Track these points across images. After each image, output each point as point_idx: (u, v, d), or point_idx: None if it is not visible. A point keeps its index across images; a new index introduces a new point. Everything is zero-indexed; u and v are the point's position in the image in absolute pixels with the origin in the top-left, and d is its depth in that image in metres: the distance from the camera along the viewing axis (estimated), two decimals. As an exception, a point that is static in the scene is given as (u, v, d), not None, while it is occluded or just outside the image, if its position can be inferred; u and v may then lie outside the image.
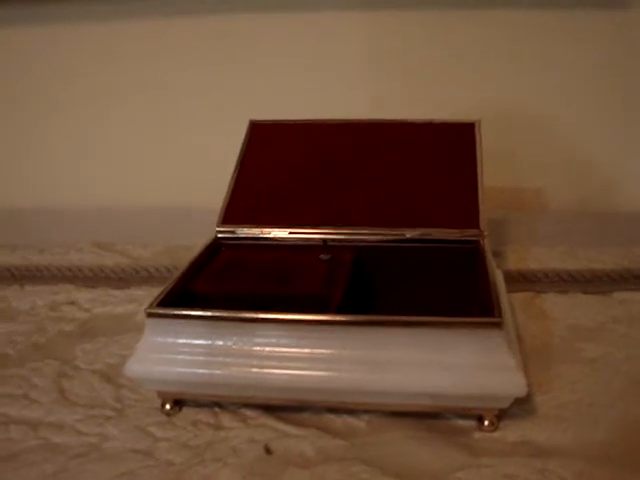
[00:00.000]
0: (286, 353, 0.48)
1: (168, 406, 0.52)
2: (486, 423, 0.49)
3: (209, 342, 0.49)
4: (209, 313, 0.49)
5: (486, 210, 0.63)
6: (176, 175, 0.99)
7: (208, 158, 0.94)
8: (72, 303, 0.70)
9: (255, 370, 0.48)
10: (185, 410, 0.52)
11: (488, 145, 0.72)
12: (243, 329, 0.49)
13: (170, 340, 0.50)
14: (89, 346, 0.62)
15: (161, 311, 0.49)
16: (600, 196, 0.95)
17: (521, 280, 0.71)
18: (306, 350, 0.48)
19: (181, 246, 0.84)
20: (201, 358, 0.49)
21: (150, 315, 0.49)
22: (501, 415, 0.49)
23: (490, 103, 0.93)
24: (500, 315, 0.46)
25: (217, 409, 0.52)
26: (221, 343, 0.49)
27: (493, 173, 0.81)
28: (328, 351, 0.48)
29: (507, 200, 0.96)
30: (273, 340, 0.48)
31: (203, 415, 0.52)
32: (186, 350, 0.49)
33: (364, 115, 0.74)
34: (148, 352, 0.50)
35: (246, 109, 0.78)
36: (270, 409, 0.51)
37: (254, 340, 0.49)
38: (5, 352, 0.61)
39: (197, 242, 0.79)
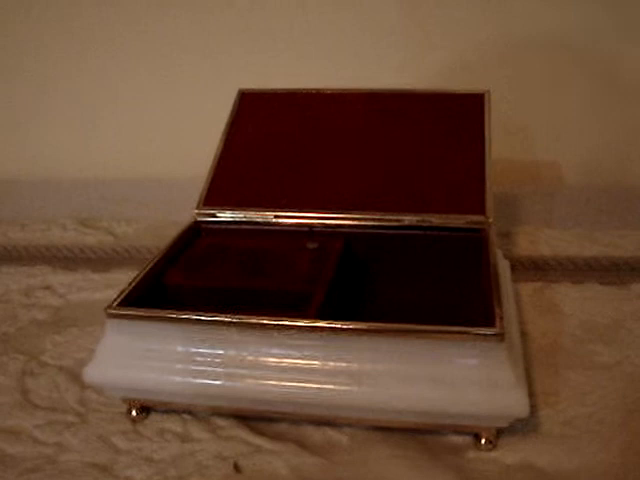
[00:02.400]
0: (259, 361, 0.43)
1: (134, 412, 0.47)
2: (483, 441, 0.44)
3: (174, 347, 0.44)
4: (174, 315, 0.43)
5: (493, 193, 0.57)
6: (164, 146, 0.93)
7: (197, 129, 0.88)
8: (47, 288, 0.66)
9: (224, 379, 0.43)
10: (152, 416, 0.48)
11: (501, 115, 0.65)
12: (211, 333, 0.44)
13: (132, 343, 0.45)
14: (59, 338, 0.58)
15: (122, 312, 0.44)
16: (621, 170, 0.88)
17: (531, 268, 0.65)
18: (281, 358, 0.43)
19: (167, 222, 0.79)
20: (166, 364, 0.44)
21: (111, 315, 0.44)
22: (500, 432, 0.44)
23: (503, 70, 0.86)
24: (502, 325, 0.41)
25: (186, 416, 0.48)
26: (186, 349, 0.44)
27: (506, 145, 0.75)
28: (304, 360, 0.43)
29: (520, 174, 0.90)
30: (244, 346, 0.43)
31: (171, 423, 0.47)
32: (149, 355, 0.44)
33: (363, 85, 0.68)
34: (108, 356, 0.45)
35: (237, 78, 0.72)
36: (243, 418, 0.47)
37: (222, 346, 0.44)
38: (-30, 345, 0.57)
39: (185, 217, 0.75)
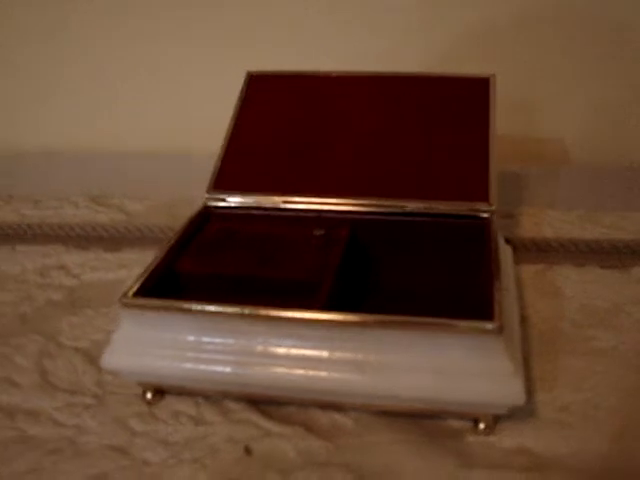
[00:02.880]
0: (269, 351, 0.45)
1: (149, 395, 0.49)
2: (481, 426, 0.46)
3: (186, 336, 0.46)
4: (186, 306, 0.45)
5: (497, 172, 0.58)
6: (176, 121, 0.94)
7: (208, 104, 0.89)
8: (61, 267, 0.68)
9: (234, 368, 0.45)
10: (167, 399, 0.50)
11: (506, 92, 0.66)
12: (221, 324, 0.45)
13: (147, 332, 0.47)
14: (75, 319, 0.60)
15: (137, 302, 0.46)
16: (627, 149, 0.89)
17: (534, 250, 0.66)
18: (288, 348, 0.45)
19: (179, 200, 0.80)
20: (178, 352, 0.46)
21: (125, 305, 0.46)
22: (498, 417, 0.46)
23: (508, 50, 0.86)
24: (500, 319, 0.42)
25: (200, 399, 0.50)
26: (197, 338, 0.46)
27: (508, 121, 0.76)
28: (311, 350, 0.45)
29: (523, 151, 0.90)
30: (253, 336, 0.45)
31: (185, 405, 0.49)
32: (163, 343, 0.46)
33: (371, 67, 0.68)
34: (124, 344, 0.47)
35: (249, 51, 0.73)
36: (254, 402, 0.49)
37: (232, 335, 0.45)
38: (-9, 326, 0.59)
39: (196, 194, 0.76)
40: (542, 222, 0.71)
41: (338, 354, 0.44)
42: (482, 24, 0.85)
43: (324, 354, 0.44)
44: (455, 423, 0.47)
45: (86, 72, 0.96)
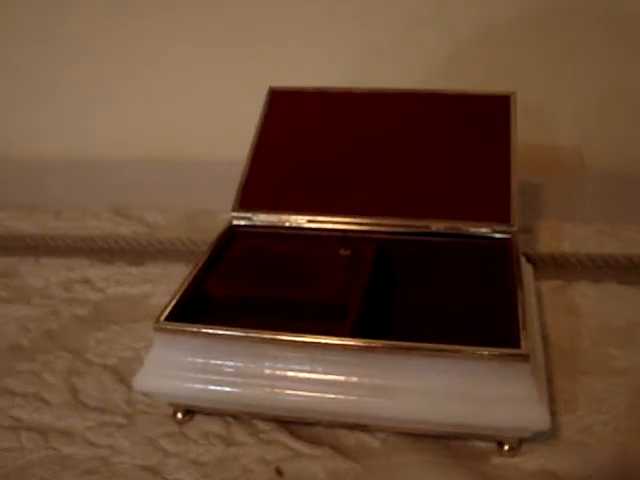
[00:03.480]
0: (299, 376, 0.46)
1: (179, 415, 0.51)
2: (506, 448, 0.47)
3: (220, 361, 0.47)
4: (220, 331, 0.46)
5: (518, 201, 0.59)
6: (197, 128, 0.95)
7: (229, 112, 0.90)
8: (86, 281, 0.69)
9: (268, 391, 0.46)
10: (197, 419, 0.51)
11: (520, 98, 0.67)
12: (255, 349, 0.46)
13: (180, 355, 0.48)
14: (102, 335, 0.61)
15: (170, 327, 0.47)
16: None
17: (552, 265, 0.67)
18: (318, 374, 0.46)
19: (200, 211, 0.81)
20: (212, 376, 0.47)
21: (158, 330, 0.47)
22: (522, 439, 0.47)
23: (522, 54, 0.87)
24: (527, 347, 0.43)
25: (230, 419, 0.51)
26: (229, 362, 0.47)
27: (526, 129, 0.76)
28: (342, 375, 0.46)
29: (541, 159, 0.91)
30: (285, 362, 0.46)
31: (215, 425, 0.50)
32: (197, 367, 0.47)
33: (391, 85, 0.69)
34: (157, 367, 0.48)
35: (271, 60, 0.76)
36: (283, 422, 0.50)
37: (266, 361, 0.47)
38: (19, 342, 0.60)
39: (217, 204, 0.77)
40: (560, 236, 0.72)
41: (367, 379, 0.45)
42: (492, 27, 0.86)
43: (353, 379, 0.46)
44: (480, 444, 0.48)
45: (105, 79, 0.96)
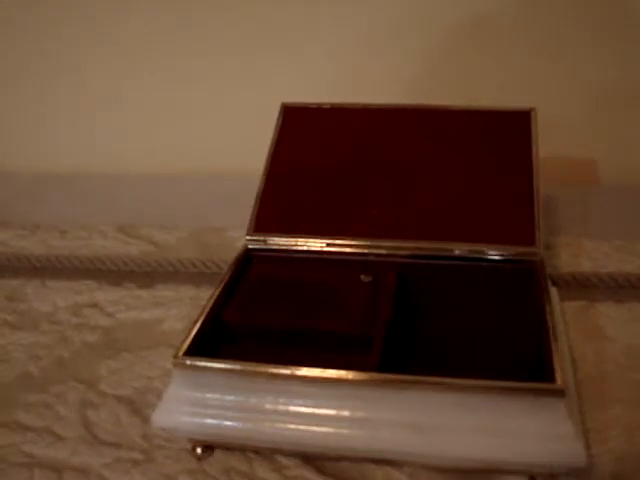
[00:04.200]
0: (322, 412, 0.45)
1: (199, 450, 0.49)
2: (539, 484, 0.45)
3: (241, 397, 0.45)
4: (244, 367, 0.45)
5: (543, 222, 0.57)
6: (202, 141, 0.93)
7: (235, 124, 0.89)
8: (94, 306, 0.67)
9: (291, 427, 0.45)
10: (217, 454, 0.49)
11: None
12: (276, 384, 0.45)
13: (201, 392, 0.46)
14: (114, 364, 0.59)
15: (190, 362, 0.45)
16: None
17: (574, 284, 0.65)
18: (347, 410, 0.44)
19: (209, 229, 0.80)
20: (232, 413, 0.45)
21: (177, 365, 0.46)
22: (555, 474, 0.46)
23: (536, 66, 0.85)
24: (563, 381, 0.42)
25: (251, 454, 0.49)
26: (254, 399, 0.45)
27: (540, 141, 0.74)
28: (367, 412, 0.44)
29: (556, 172, 0.89)
30: (308, 398, 0.45)
31: (236, 461, 0.49)
32: (218, 404, 0.46)
33: (405, 101, 0.68)
34: (177, 403, 0.46)
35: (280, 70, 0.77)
36: (307, 457, 0.48)
37: (289, 397, 0.45)
38: (28, 371, 0.58)
39: (226, 222, 0.76)
40: (580, 254, 0.71)
41: (397, 415, 0.44)
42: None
43: (382, 415, 0.44)
44: (511, 478, 0.46)
45: (106, 90, 0.94)
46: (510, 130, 0.63)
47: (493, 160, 0.61)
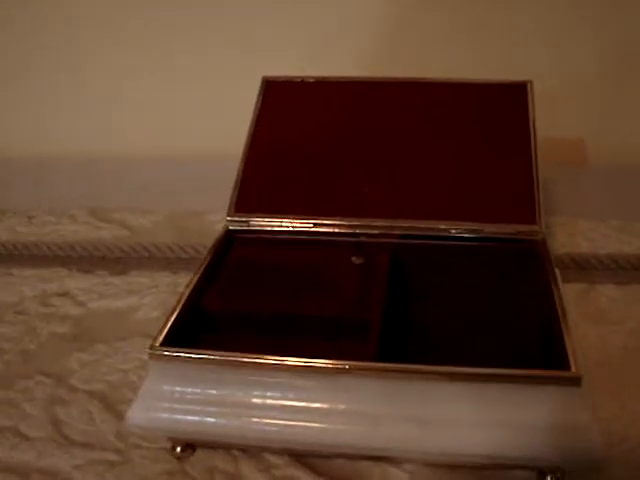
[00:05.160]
0: (315, 406, 0.41)
1: (179, 449, 0.45)
2: (549, 479, 0.42)
3: (224, 391, 0.41)
4: (223, 357, 0.40)
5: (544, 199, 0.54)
6: (179, 123, 0.88)
7: (214, 106, 0.84)
8: (65, 294, 0.62)
9: (280, 423, 0.41)
10: (199, 453, 0.45)
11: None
12: (264, 376, 0.41)
13: (181, 386, 0.42)
14: (85, 356, 0.55)
15: (168, 352, 0.41)
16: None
17: (573, 266, 0.62)
18: (342, 403, 0.40)
19: (186, 212, 0.75)
20: (214, 408, 0.41)
21: (155, 357, 0.41)
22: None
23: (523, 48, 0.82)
24: (578, 369, 0.38)
25: (236, 452, 0.45)
26: (239, 393, 0.41)
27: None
28: (365, 405, 0.40)
29: (544, 152, 0.86)
30: (299, 391, 0.41)
31: (220, 460, 0.45)
32: (198, 398, 0.41)
33: (394, 73, 0.64)
34: (154, 399, 0.42)
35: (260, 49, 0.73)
36: (297, 455, 0.44)
37: (278, 390, 0.41)
38: (-9, 365, 0.54)
39: (205, 206, 0.72)
40: (577, 234, 0.67)
41: (398, 408, 0.40)
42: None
43: (382, 408, 0.40)
44: (519, 473, 0.43)
45: (81, 69, 0.89)
46: (505, 103, 0.60)
47: (489, 134, 0.58)
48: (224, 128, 0.73)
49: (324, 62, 0.77)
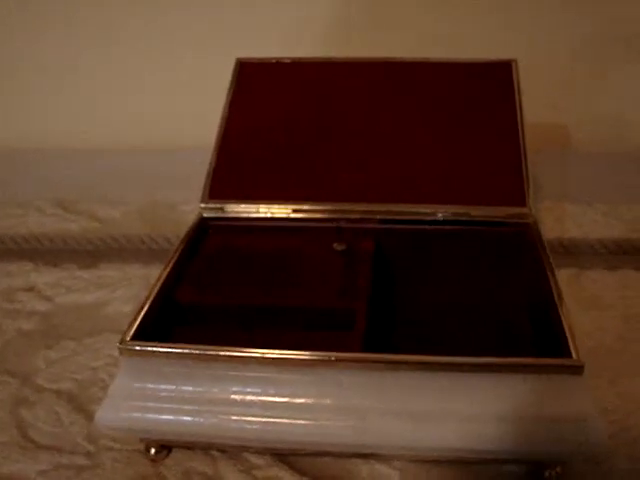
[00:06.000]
0: (299, 402, 0.38)
1: (154, 451, 0.42)
2: (547, 474, 0.39)
3: (201, 387, 0.38)
4: (199, 351, 0.38)
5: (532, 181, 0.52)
6: (148, 114, 0.85)
7: (187, 94, 0.81)
8: (31, 289, 0.59)
9: (262, 420, 0.38)
10: (175, 455, 0.42)
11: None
12: (243, 370, 0.38)
13: (153, 383, 0.39)
14: (53, 354, 0.51)
15: (140, 347, 0.38)
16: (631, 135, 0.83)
17: (562, 252, 0.60)
18: (328, 398, 0.38)
19: (158, 203, 0.72)
20: (190, 406, 0.38)
21: (125, 352, 0.38)
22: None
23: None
24: (580, 356, 0.36)
25: (215, 453, 0.42)
26: (216, 389, 0.38)
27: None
28: (352, 399, 0.38)
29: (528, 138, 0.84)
30: (282, 386, 0.38)
31: (197, 461, 0.42)
32: (172, 395, 0.38)
33: (375, 53, 0.61)
34: (125, 397, 0.39)
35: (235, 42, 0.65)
36: (280, 454, 0.41)
37: (258, 385, 0.38)
38: (-48, 365, 0.50)
39: (178, 196, 0.68)
40: (565, 219, 0.66)
41: (384, 401, 0.37)
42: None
43: (369, 402, 0.37)
44: (515, 468, 0.40)
45: (43, 57, 0.85)
46: (491, 83, 0.57)
47: (474, 115, 0.55)
48: (197, 116, 0.70)
49: (299, 44, 0.74)
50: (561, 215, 0.67)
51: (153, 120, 0.84)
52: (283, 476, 0.41)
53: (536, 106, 0.81)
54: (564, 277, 0.57)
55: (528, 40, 0.81)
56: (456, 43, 0.78)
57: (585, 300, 0.55)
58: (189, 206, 0.68)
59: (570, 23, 0.80)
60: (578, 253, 0.60)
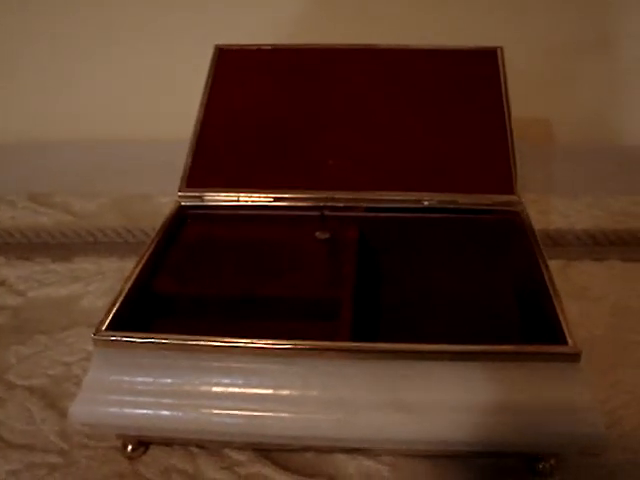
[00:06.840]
0: (284, 394, 0.36)
1: (130, 447, 0.40)
2: (541, 466, 0.38)
3: (179, 380, 0.37)
4: (177, 341, 0.36)
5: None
6: (126, 105, 0.83)
7: (162, 85, 0.79)
8: (2, 283, 0.56)
9: (244, 414, 0.36)
10: (153, 451, 0.40)
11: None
12: (224, 361, 0.36)
13: (129, 375, 0.37)
14: (24, 349, 0.49)
15: (115, 337, 0.36)
16: (617, 128, 0.83)
17: (549, 243, 0.59)
18: (314, 390, 0.36)
19: (133, 195, 0.70)
20: (169, 400, 0.36)
21: (100, 343, 0.36)
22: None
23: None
24: (576, 343, 0.35)
25: (194, 449, 0.40)
26: (196, 381, 0.36)
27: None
28: (339, 391, 0.36)
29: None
30: (265, 377, 0.36)
31: (176, 458, 0.40)
32: (149, 389, 0.37)
33: (358, 40, 0.59)
34: (99, 391, 0.37)
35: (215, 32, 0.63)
36: (263, 449, 0.40)
37: (241, 376, 0.36)
38: None
39: (151, 188, 0.67)
40: (550, 211, 0.65)
41: (373, 392, 0.36)
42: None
43: (357, 393, 0.36)
44: (507, 462, 0.39)
45: (15, 51, 0.83)
46: (476, 70, 0.56)
47: (459, 102, 0.54)
48: (174, 107, 0.68)
49: (280, 31, 0.72)
50: (546, 208, 0.66)
51: (129, 112, 0.82)
52: (267, 472, 0.39)
53: (519, 100, 0.81)
54: (552, 268, 0.56)
55: (511, 36, 0.80)
56: (440, 34, 0.76)
57: (573, 291, 0.54)
58: (167, 198, 0.66)
59: (554, 17, 0.80)
60: (565, 244, 0.59)
